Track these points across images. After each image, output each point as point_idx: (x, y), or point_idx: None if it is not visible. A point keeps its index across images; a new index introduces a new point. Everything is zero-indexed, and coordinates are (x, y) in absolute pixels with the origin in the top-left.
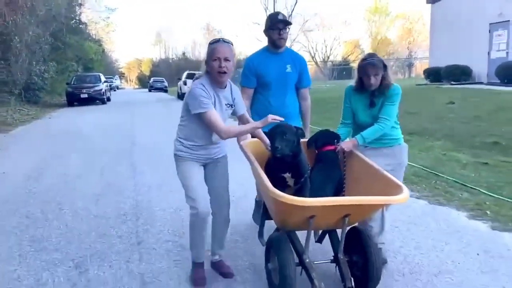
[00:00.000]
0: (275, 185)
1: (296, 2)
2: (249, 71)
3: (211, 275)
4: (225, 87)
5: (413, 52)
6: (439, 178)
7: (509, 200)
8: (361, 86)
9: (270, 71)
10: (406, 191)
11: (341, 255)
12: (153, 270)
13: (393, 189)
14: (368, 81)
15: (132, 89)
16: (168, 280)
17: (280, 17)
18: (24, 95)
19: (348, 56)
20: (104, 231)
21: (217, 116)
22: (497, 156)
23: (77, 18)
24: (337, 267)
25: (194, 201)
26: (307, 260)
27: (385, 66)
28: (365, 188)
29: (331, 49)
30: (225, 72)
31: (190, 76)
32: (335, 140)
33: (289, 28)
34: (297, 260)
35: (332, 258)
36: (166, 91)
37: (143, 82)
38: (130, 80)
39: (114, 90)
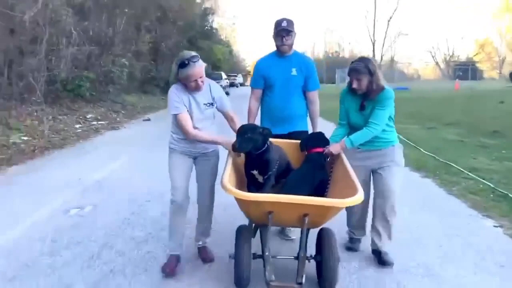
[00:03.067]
0: (250, 182)
1: (396, 8)
2: (257, 73)
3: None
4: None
5: None
6: (409, 145)
7: (429, 154)
8: (354, 89)
9: (275, 74)
10: (358, 196)
11: (301, 253)
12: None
13: (354, 192)
14: (352, 84)
15: None
16: None
17: (283, 24)
18: (166, 87)
19: (475, 55)
20: None
21: (187, 119)
22: (481, 139)
23: (208, 25)
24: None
25: (173, 189)
26: (267, 254)
27: (370, 72)
28: (340, 190)
29: (452, 49)
30: (201, 87)
31: None
32: (324, 143)
33: (293, 35)
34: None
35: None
36: None
37: None
38: None
39: (237, 87)
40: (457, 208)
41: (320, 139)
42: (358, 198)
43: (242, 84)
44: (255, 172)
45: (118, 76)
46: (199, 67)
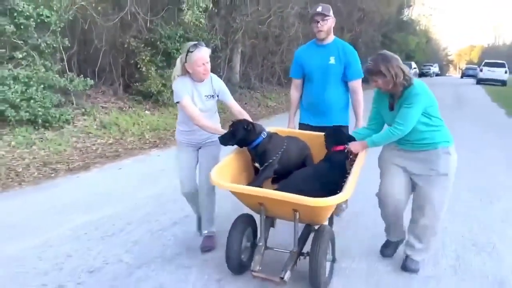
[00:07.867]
0: (255, 174)
1: None
2: (295, 62)
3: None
4: (204, 81)
5: None
6: None
7: None
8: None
9: (312, 62)
10: (335, 197)
11: (294, 248)
12: None
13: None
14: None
15: (454, 77)
16: None
17: (318, 9)
18: None
19: None
20: None
21: (192, 104)
22: None
23: (404, 18)
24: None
25: (180, 182)
26: (260, 244)
27: (382, 73)
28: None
29: None
30: (209, 71)
31: (487, 64)
32: (347, 140)
33: (329, 20)
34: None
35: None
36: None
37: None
38: (459, 68)
39: (431, 76)
40: None
41: (343, 135)
42: (332, 199)
43: (438, 75)
44: (256, 164)
45: None
46: (206, 50)
